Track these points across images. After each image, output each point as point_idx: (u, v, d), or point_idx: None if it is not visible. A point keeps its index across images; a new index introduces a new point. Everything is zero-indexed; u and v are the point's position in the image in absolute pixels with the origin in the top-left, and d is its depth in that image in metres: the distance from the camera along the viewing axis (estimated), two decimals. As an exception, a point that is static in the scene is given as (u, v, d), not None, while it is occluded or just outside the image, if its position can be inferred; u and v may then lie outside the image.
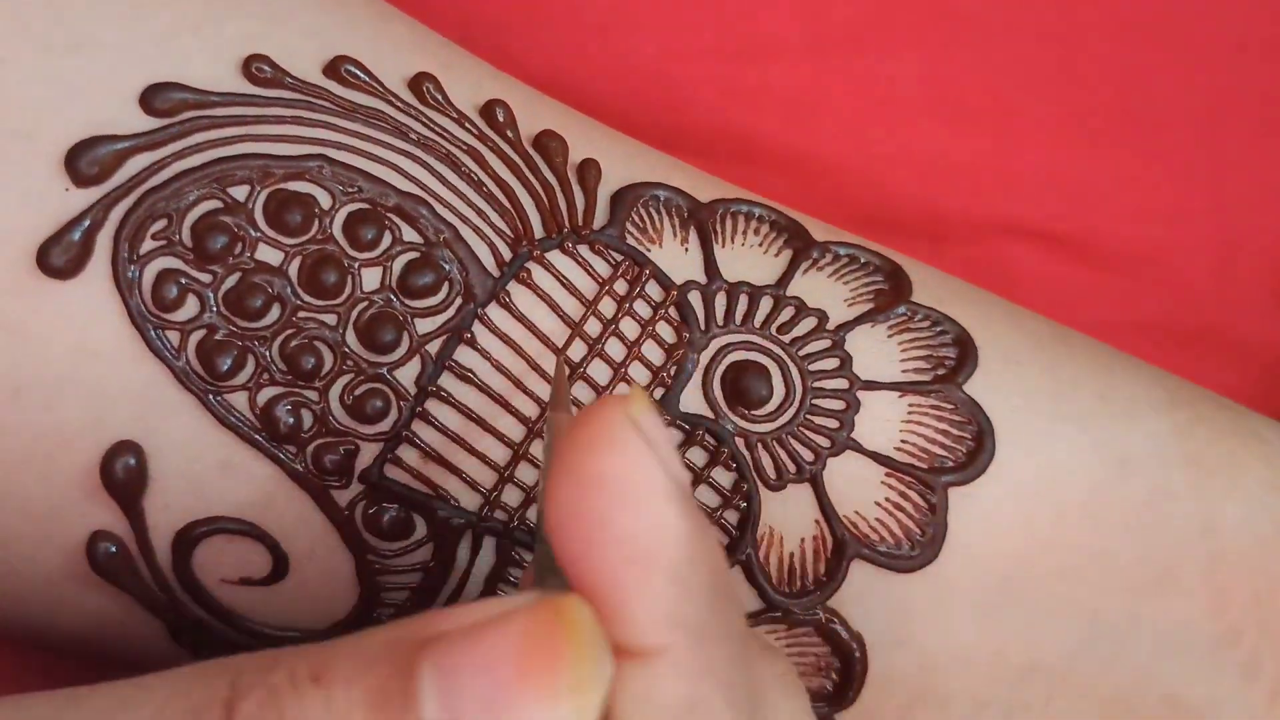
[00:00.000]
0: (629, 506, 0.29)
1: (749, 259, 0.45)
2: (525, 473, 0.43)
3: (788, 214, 0.46)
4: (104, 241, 0.41)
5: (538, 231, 0.44)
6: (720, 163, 0.50)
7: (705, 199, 0.46)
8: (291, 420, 0.42)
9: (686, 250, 0.45)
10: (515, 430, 0.43)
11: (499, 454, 0.43)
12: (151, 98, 0.42)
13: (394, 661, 0.29)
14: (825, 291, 0.45)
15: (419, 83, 0.44)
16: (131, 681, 0.31)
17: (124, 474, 0.41)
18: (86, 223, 0.40)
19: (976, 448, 0.44)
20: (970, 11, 0.53)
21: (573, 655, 0.28)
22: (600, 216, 0.44)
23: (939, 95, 0.52)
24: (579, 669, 0.28)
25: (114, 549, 0.41)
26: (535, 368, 0.43)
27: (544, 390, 0.43)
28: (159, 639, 0.43)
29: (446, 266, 0.43)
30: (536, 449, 0.43)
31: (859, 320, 0.45)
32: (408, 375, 0.43)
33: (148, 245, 0.41)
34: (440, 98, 0.44)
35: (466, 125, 0.44)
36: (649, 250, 0.45)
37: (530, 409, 0.43)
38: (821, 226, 0.47)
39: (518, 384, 0.43)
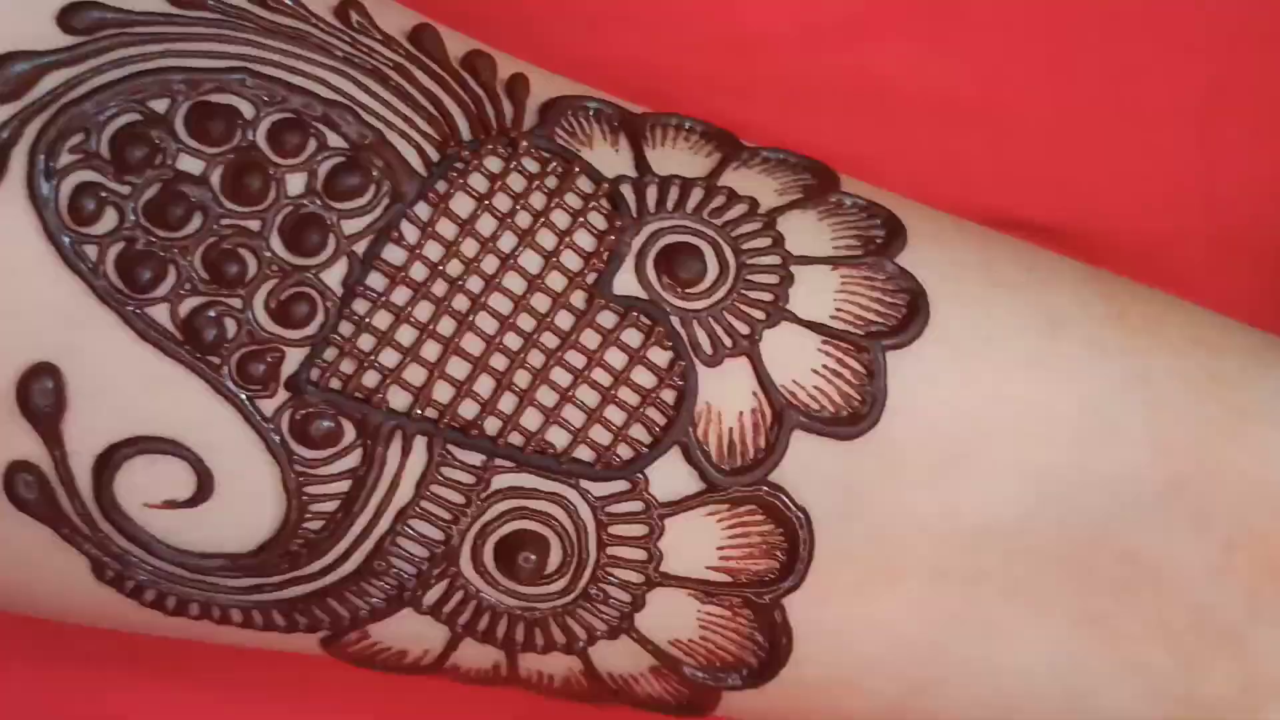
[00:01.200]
0: None
1: (679, 158, 0.42)
2: (456, 367, 0.39)
3: (717, 127, 0.42)
4: (19, 157, 0.38)
5: (467, 135, 0.40)
6: None
7: (636, 111, 0.42)
8: (215, 330, 0.38)
9: (617, 151, 0.42)
10: (447, 325, 0.39)
11: (430, 350, 0.39)
12: (70, 16, 0.39)
13: None
14: (756, 185, 0.42)
15: (345, 9, 0.41)
16: None
17: (41, 398, 0.38)
18: (3, 136, 0.38)
19: (911, 312, 0.41)
20: (961, 3, 0.51)
21: None
22: (531, 123, 0.41)
23: (930, 87, 0.51)
24: None
25: (31, 478, 0.38)
26: (467, 262, 0.40)
27: (477, 284, 0.39)
28: (83, 577, 0.40)
29: (373, 168, 0.40)
30: (469, 343, 0.39)
31: (789, 206, 0.42)
32: (334, 277, 0.39)
33: (65, 159, 0.38)
34: (366, 23, 0.41)
35: (393, 47, 0.41)
36: (580, 150, 0.41)
37: (462, 303, 0.39)
38: (751, 142, 0.43)
39: (450, 280, 0.40)
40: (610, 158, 0.41)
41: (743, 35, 0.50)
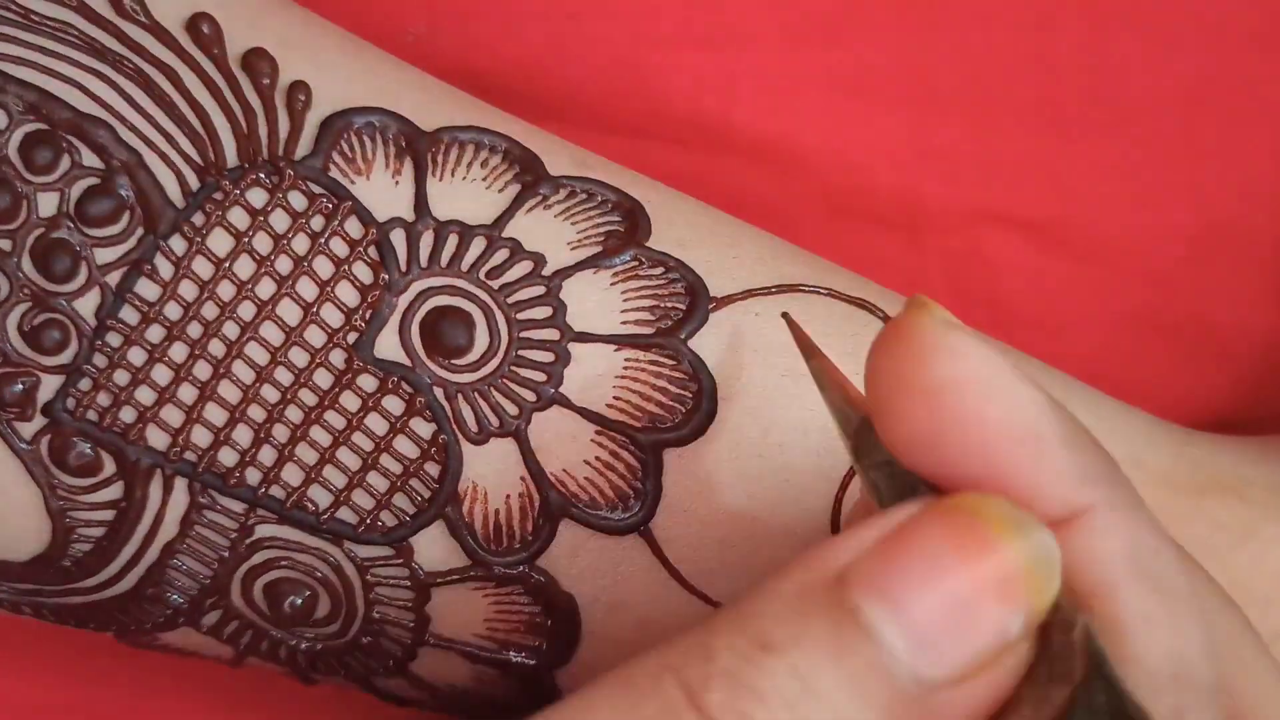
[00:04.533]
0: (995, 397, 0.27)
1: (468, 193, 0.37)
2: (213, 413, 0.37)
3: (525, 145, 0.38)
4: None
5: (231, 159, 0.36)
6: (695, 152, 0.46)
7: (433, 124, 0.38)
8: None
9: (398, 183, 0.37)
10: (203, 370, 0.36)
11: (186, 393, 0.36)
12: None
13: (824, 611, 0.26)
14: (549, 232, 0.37)
15: None
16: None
17: None
18: None
19: (694, 407, 0.37)
20: (945, -2, 0.46)
21: (1002, 531, 0.26)
22: (307, 145, 0.37)
23: (915, 83, 0.48)
24: (1019, 541, 0.26)
25: None
26: (223, 306, 0.36)
27: (234, 330, 0.36)
28: None
29: (125, 194, 0.36)
30: (226, 390, 0.37)
31: (580, 266, 0.37)
32: (88, 307, 0.36)
33: None
34: (139, 8, 0.37)
35: (165, 40, 0.37)
36: (354, 183, 0.37)
37: (218, 349, 0.36)
38: (570, 157, 0.38)
39: (205, 323, 0.37)
40: (387, 193, 0.37)
41: (727, 31, 0.47)
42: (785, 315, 0.34)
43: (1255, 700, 0.29)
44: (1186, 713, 0.26)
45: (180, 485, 0.37)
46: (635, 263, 0.37)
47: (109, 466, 0.37)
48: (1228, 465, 0.40)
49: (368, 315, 0.36)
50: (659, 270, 0.37)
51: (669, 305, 0.37)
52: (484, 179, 0.37)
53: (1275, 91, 0.47)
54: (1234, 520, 0.39)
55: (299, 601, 0.37)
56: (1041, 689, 0.26)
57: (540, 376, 0.36)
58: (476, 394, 0.36)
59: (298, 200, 0.36)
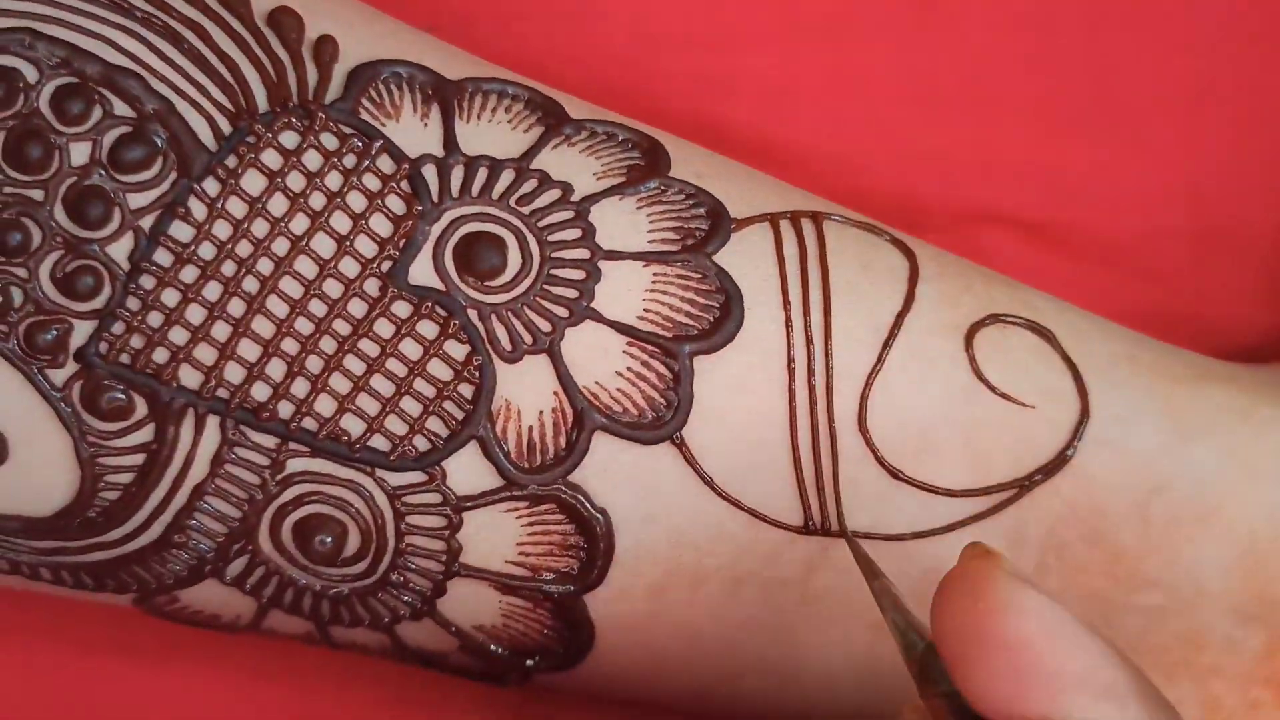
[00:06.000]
0: (1073, 653, 0.30)
1: (494, 134, 0.39)
2: (246, 349, 0.37)
3: (545, 93, 0.40)
4: None
5: (263, 105, 0.37)
6: None
7: (458, 75, 0.39)
8: (0, 299, 0.38)
9: (426, 125, 0.38)
10: (236, 306, 0.37)
11: (220, 330, 0.37)
12: None
13: None
14: (574, 166, 0.39)
15: None
16: None
17: None
18: None
19: (723, 315, 0.39)
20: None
21: None
22: (336, 91, 0.38)
23: (914, 82, 0.49)
24: None
25: None
26: (256, 243, 0.37)
27: (267, 266, 0.37)
28: None
29: (158, 140, 0.37)
30: (260, 325, 0.38)
31: (606, 193, 0.39)
32: (121, 251, 0.37)
33: None
34: None
35: (193, 1, 0.38)
36: (384, 125, 0.38)
37: (252, 285, 0.37)
38: (587, 107, 0.40)
39: (239, 261, 0.38)
40: (417, 133, 0.38)
41: (726, 31, 0.49)
42: (846, 536, 0.37)
43: None
44: None
45: (212, 424, 0.37)
46: (659, 189, 0.39)
47: (140, 409, 0.37)
48: (1218, 364, 0.43)
49: (402, 243, 0.37)
50: (681, 195, 0.39)
51: (692, 226, 0.39)
52: (509, 121, 0.39)
53: (1275, 91, 0.49)
54: (1232, 402, 0.41)
55: (329, 539, 0.38)
56: None
57: (572, 293, 0.37)
58: (510, 313, 0.37)
59: (330, 141, 0.37)
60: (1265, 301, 0.50)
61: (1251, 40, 0.50)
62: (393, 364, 0.37)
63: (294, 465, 0.38)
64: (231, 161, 0.37)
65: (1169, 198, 0.50)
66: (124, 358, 0.37)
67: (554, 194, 0.38)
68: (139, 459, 0.37)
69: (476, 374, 0.37)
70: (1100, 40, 0.49)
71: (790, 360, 0.38)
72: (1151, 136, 0.50)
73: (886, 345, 0.39)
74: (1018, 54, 0.49)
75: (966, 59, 0.49)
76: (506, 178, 0.38)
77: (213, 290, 0.37)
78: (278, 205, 0.37)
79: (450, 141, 0.38)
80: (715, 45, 0.48)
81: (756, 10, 0.48)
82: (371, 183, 0.37)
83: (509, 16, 0.46)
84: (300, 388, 0.37)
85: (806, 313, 0.39)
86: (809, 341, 0.38)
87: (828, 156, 0.47)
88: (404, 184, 0.37)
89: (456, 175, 0.38)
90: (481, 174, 0.38)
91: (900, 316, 0.39)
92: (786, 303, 0.39)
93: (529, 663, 0.40)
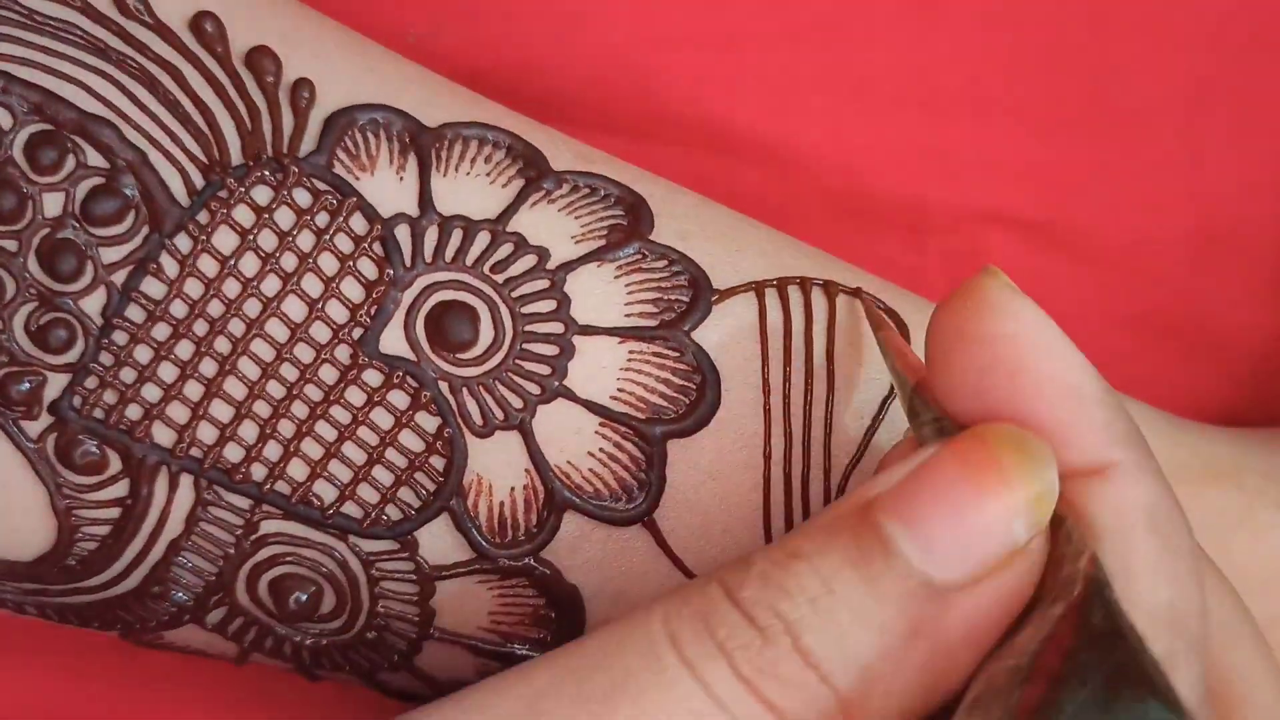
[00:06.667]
0: (1045, 353, 0.30)
1: (472, 189, 0.37)
2: (219, 409, 0.37)
3: (527, 140, 0.38)
4: None
5: (236, 157, 0.36)
6: (696, 153, 0.46)
7: (436, 121, 0.38)
8: None
9: (402, 179, 0.37)
10: (209, 367, 0.36)
11: (193, 390, 0.36)
12: None
13: (850, 528, 0.30)
14: (553, 227, 0.37)
15: None
16: (603, 633, 0.32)
17: None
18: None
19: (699, 398, 0.37)
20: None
21: (1014, 462, 0.29)
22: (311, 142, 0.37)
23: (915, 83, 0.48)
24: (1026, 469, 0.29)
25: None
26: (228, 303, 0.36)
27: (239, 328, 0.36)
28: None
29: (130, 193, 0.36)
30: (232, 386, 0.37)
31: (584, 260, 0.37)
32: (94, 305, 0.36)
33: None
34: (143, 8, 0.37)
35: (169, 39, 0.37)
36: (359, 179, 0.37)
37: (224, 346, 0.36)
38: (573, 152, 0.38)
39: (210, 321, 0.36)
40: (392, 188, 0.37)
41: (729, 32, 0.47)
42: (859, 290, 0.37)
43: (1235, 668, 0.32)
44: (1176, 657, 0.28)
45: (186, 482, 0.36)
46: (639, 256, 0.37)
47: (115, 464, 0.36)
48: (1224, 453, 0.41)
49: (373, 311, 0.36)
50: (662, 263, 0.37)
51: (672, 298, 0.37)
52: (488, 174, 0.37)
53: (1275, 92, 0.47)
54: (1231, 506, 0.39)
55: (304, 597, 0.37)
56: (1046, 608, 0.28)
57: (545, 369, 0.36)
58: (481, 387, 0.36)
59: (302, 197, 0.36)
60: (1266, 302, 0.49)
61: (1251, 40, 0.48)
62: (364, 432, 0.36)
63: (268, 526, 0.37)
64: (203, 217, 0.36)
65: (1169, 198, 0.49)
66: (98, 413, 0.36)
67: (530, 260, 0.36)
68: (115, 513, 0.37)
69: (447, 447, 0.36)
70: (1100, 41, 0.48)
71: (767, 450, 0.37)
72: (1154, 138, 0.48)
73: (869, 433, 0.37)
74: (1019, 54, 0.48)
75: (967, 59, 0.47)
76: (482, 241, 0.36)
77: (185, 349, 0.36)
78: (249, 265, 0.36)
79: (425, 199, 0.36)
80: (716, 45, 0.47)
81: (757, 10, 0.47)
82: (344, 244, 0.36)
83: (511, 16, 0.45)
84: (273, 451, 0.36)
85: (787, 398, 0.37)
86: (787, 432, 0.36)
87: (828, 157, 0.46)
88: (376, 246, 0.36)
89: (430, 237, 0.36)
90: (456, 236, 0.36)
91: (886, 403, 0.37)
92: (767, 388, 0.37)
93: None
